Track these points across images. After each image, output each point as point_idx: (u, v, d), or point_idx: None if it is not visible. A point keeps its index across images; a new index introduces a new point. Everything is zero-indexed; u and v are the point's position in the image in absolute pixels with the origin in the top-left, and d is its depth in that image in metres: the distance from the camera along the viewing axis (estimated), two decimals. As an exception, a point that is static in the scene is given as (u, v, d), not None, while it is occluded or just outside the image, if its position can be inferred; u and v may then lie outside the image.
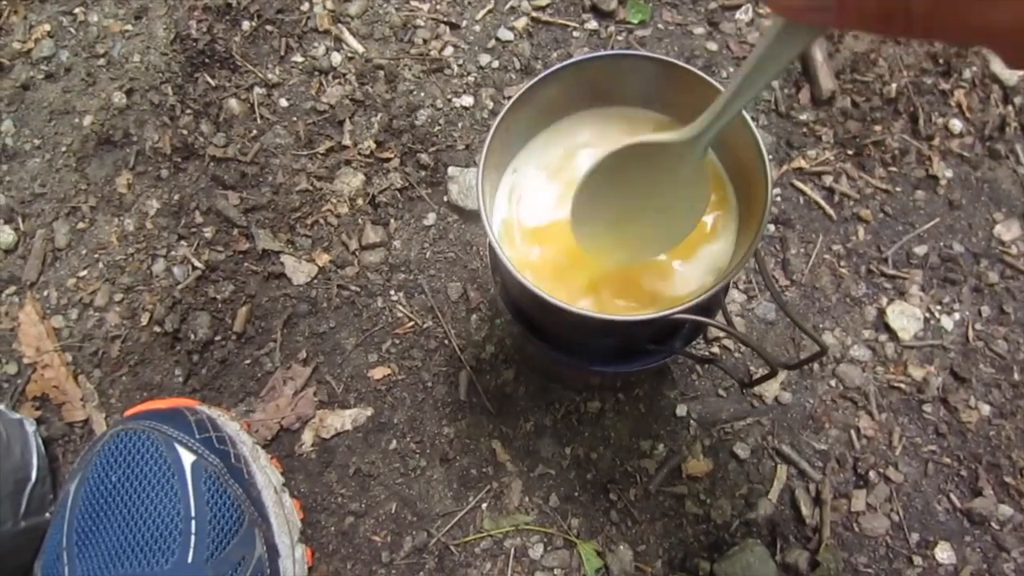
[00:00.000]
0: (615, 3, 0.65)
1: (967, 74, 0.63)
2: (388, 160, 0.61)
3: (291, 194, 0.60)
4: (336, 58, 0.64)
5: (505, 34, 0.65)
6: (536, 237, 0.40)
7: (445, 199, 0.60)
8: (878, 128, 0.61)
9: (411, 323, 0.57)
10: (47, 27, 0.66)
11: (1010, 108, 0.62)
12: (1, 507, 0.47)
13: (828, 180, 0.60)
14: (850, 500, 0.51)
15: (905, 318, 0.56)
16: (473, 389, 0.55)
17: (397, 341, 0.56)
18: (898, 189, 0.60)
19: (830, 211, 0.59)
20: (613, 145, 0.32)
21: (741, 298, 0.57)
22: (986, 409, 0.53)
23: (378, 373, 0.55)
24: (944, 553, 0.50)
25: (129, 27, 0.66)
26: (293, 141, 0.62)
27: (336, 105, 0.63)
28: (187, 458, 0.45)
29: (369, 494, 0.53)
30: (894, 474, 0.52)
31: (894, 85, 0.62)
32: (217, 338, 0.56)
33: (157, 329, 0.57)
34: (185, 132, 0.62)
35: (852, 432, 0.53)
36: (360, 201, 0.60)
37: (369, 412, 0.54)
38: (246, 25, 0.65)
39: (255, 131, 0.62)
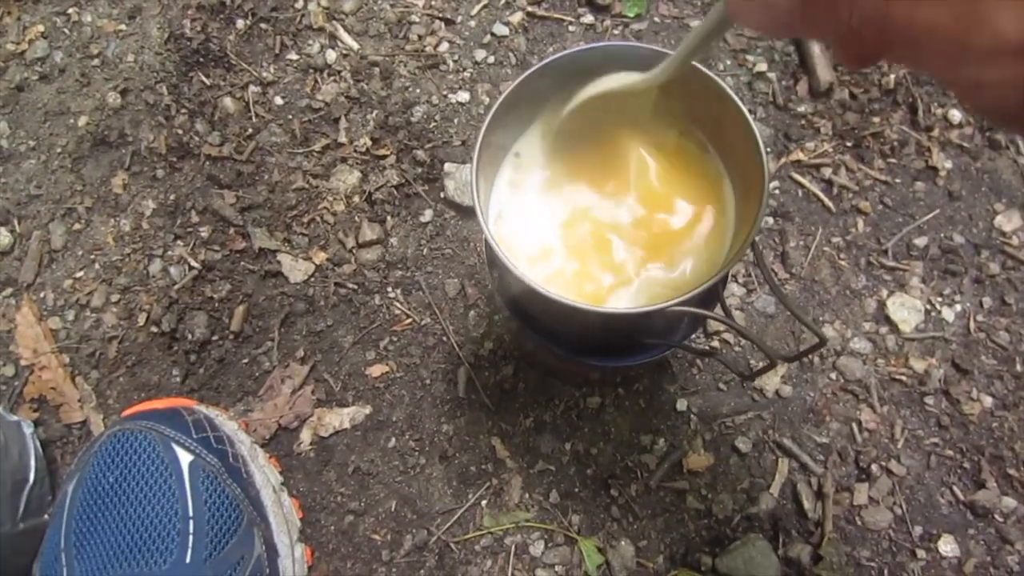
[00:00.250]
0: (611, -3, 0.65)
1: (966, 64, 0.62)
2: (384, 157, 0.61)
3: (287, 192, 0.60)
4: (331, 55, 0.64)
5: (500, 29, 0.65)
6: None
7: (442, 195, 0.60)
8: (877, 119, 0.61)
9: (409, 320, 0.57)
10: (41, 28, 0.66)
11: (1010, 98, 0.61)
12: (0, 509, 0.47)
13: (827, 172, 0.60)
14: (852, 494, 0.51)
15: (906, 310, 0.55)
16: (472, 386, 0.55)
17: (395, 338, 0.56)
18: (897, 180, 0.59)
19: (829, 203, 0.59)
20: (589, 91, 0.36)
21: (740, 292, 0.57)
22: (988, 401, 0.53)
23: (376, 371, 0.55)
24: (947, 546, 0.50)
25: (123, 27, 0.66)
26: (289, 139, 0.62)
27: (331, 102, 0.62)
28: (185, 458, 0.45)
29: (368, 492, 0.52)
30: (896, 467, 0.52)
31: (892, 76, 0.62)
32: (214, 338, 0.56)
33: (154, 329, 0.56)
34: (180, 131, 0.62)
35: (854, 425, 0.53)
36: (356, 199, 0.60)
37: (367, 410, 0.54)
38: (240, 23, 0.65)
39: (250, 130, 0.62)
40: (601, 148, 0.40)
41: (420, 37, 0.65)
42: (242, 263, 0.58)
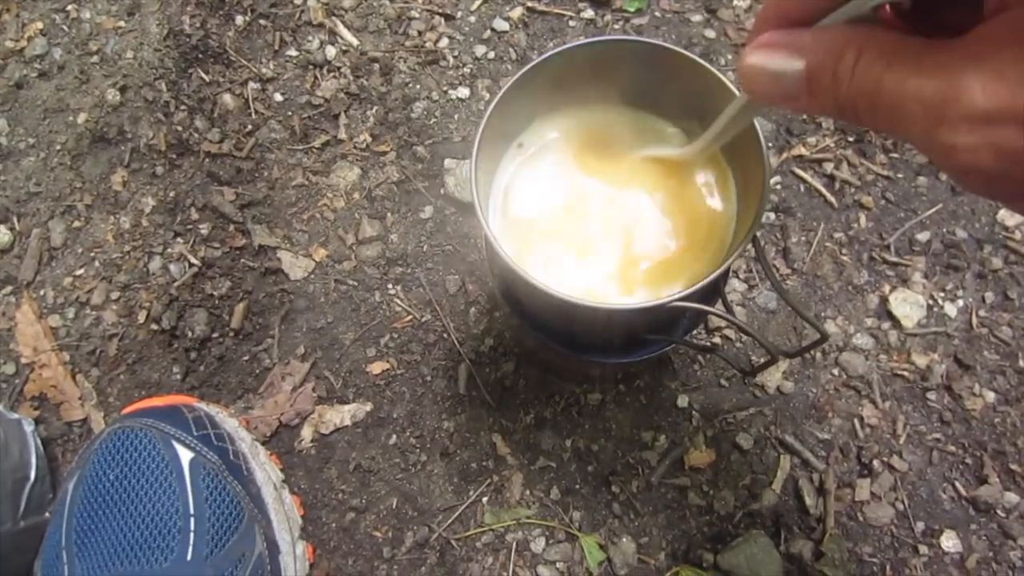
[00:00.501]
0: (611, -9, 0.64)
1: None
2: (384, 153, 0.61)
3: (287, 189, 0.60)
4: (330, 51, 0.64)
5: (501, 24, 0.64)
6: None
7: (442, 192, 0.59)
8: (879, 114, 0.61)
9: (409, 317, 0.56)
10: (40, 25, 0.66)
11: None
12: (1, 507, 0.46)
13: (829, 167, 0.59)
14: (854, 489, 0.51)
15: (908, 305, 0.55)
16: (472, 382, 0.55)
17: (395, 335, 0.56)
18: (900, 175, 0.59)
19: (831, 198, 0.58)
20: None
21: (742, 287, 0.56)
22: (991, 396, 0.53)
23: (377, 368, 0.55)
24: (950, 542, 0.50)
25: (122, 23, 0.66)
26: (288, 136, 0.62)
27: (331, 99, 0.62)
28: (185, 455, 0.45)
29: (369, 489, 0.52)
30: (898, 463, 0.51)
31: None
32: (215, 335, 0.56)
33: (154, 327, 0.56)
34: (180, 128, 0.62)
35: (855, 421, 0.53)
36: (356, 195, 0.60)
37: (368, 407, 0.54)
38: (239, 20, 0.65)
39: (250, 126, 0.62)
40: (611, 146, 0.40)
41: (420, 33, 0.65)
42: (242, 260, 0.58)
